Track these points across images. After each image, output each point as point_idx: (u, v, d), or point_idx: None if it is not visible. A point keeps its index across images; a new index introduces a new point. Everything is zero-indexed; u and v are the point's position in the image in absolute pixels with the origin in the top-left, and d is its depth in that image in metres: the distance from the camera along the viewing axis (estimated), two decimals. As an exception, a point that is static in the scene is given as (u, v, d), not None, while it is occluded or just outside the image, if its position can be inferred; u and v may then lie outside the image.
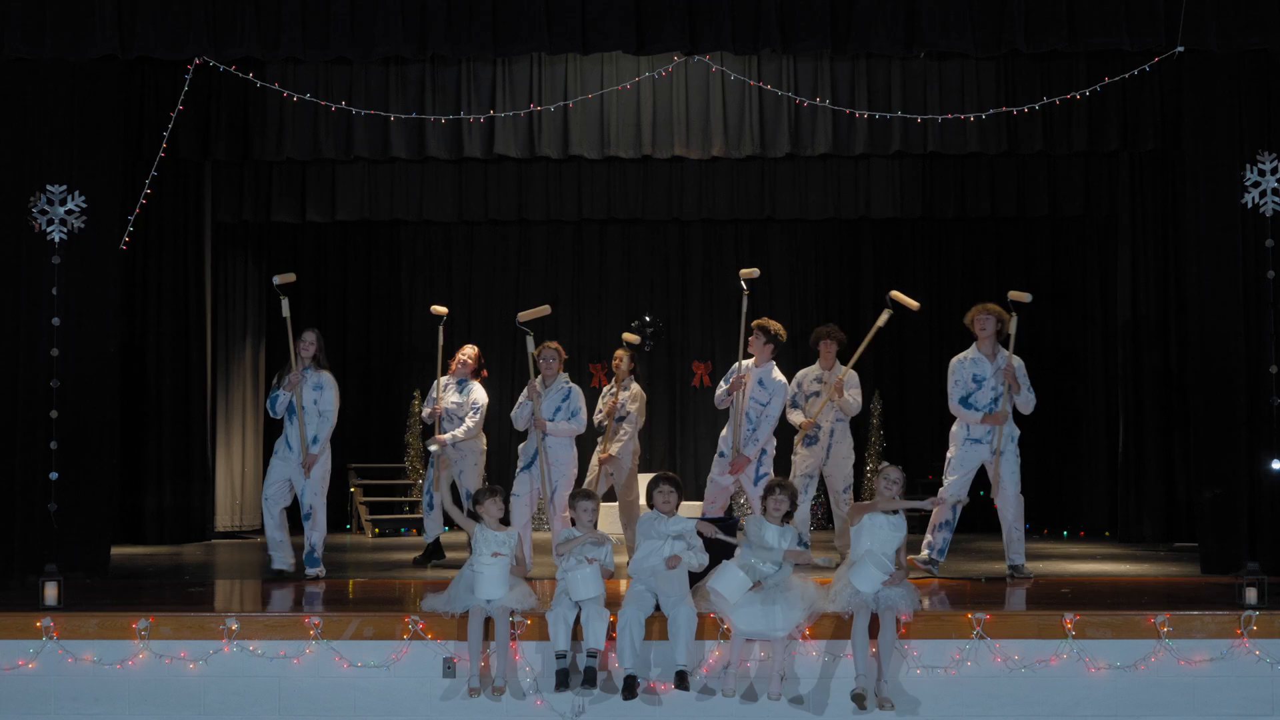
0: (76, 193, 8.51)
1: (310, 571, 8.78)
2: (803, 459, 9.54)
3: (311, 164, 11.77)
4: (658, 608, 6.84)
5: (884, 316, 9.36)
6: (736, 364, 9.01)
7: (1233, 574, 7.65)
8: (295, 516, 8.87)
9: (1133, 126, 10.44)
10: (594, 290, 14.22)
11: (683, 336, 14.17)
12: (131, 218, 9.04)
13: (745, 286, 8.90)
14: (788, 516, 7.09)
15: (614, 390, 9.81)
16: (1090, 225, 12.82)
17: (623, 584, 7.21)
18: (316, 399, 8.80)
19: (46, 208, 8.47)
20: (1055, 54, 9.32)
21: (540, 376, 8.86)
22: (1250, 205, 8.24)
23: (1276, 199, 8.13)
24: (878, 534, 7.02)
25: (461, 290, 14.25)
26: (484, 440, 9.96)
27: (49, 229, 8.42)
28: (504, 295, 14.08)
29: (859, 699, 6.62)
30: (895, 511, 7.09)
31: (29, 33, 8.51)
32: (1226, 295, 8.82)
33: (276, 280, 9.03)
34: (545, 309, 9.11)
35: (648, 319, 14.00)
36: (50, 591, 7.17)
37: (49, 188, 8.47)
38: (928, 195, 12.40)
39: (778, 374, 9.05)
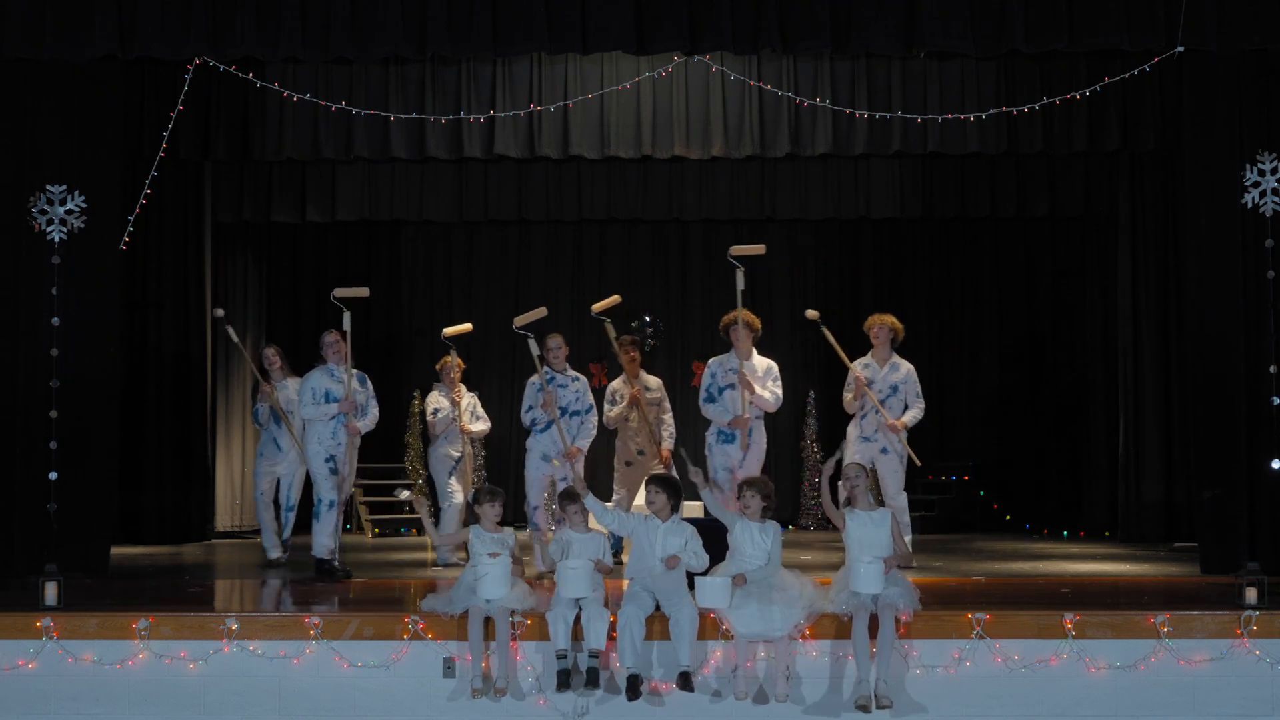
0: (76, 193, 8.49)
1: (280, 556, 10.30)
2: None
3: (311, 164, 11.76)
4: (658, 607, 6.84)
5: (821, 325, 9.43)
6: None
7: (1233, 574, 7.64)
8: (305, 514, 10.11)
9: (1133, 126, 10.45)
10: (594, 290, 14.18)
11: (683, 337, 14.17)
12: (131, 218, 9.03)
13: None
14: (765, 511, 7.03)
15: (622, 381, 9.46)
16: (1090, 225, 12.80)
17: (623, 584, 7.21)
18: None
19: (46, 208, 8.45)
20: (1055, 54, 9.30)
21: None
22: (1250, 205, 8.22)
23: (1276, 199, 8.10)
24: (865, 534, 7.02)
25: (461, 290, 14.25)
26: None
27: (49, 229, 8.40)
28: (504, 295, 14.08)
29: (863, 707, 6.61)
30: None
31: (29, 33, 8.51)
32: (1226, 295, 8.81)
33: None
34: (542, 314, 9.43)
35: (647, 319, 13.99)
36: (50, 591, 7.17)
37: (49, 188, 8.45)
38: (928, 195, 12.40)
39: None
